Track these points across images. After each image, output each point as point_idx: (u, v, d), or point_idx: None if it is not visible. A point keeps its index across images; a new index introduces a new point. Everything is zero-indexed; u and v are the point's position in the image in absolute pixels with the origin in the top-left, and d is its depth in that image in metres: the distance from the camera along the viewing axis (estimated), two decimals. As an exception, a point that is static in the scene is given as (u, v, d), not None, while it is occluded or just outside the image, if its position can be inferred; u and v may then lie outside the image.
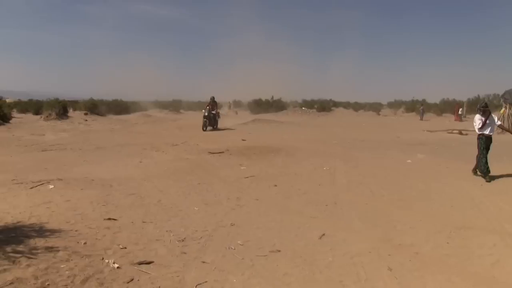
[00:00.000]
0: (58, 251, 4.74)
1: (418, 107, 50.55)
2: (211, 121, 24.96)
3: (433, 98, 77.65)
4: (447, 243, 5.84)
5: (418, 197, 8.47)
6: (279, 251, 5.42)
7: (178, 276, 4.53)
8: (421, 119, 43.74)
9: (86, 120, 30.76)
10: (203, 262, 4.95)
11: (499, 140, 13.10)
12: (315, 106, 55.07)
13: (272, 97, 57.06)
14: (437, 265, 5.06)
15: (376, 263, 5.10)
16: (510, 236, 6.14)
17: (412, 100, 63.40)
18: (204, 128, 24.32)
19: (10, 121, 27.99)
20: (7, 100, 56.14)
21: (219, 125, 26.05)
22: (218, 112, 26.30)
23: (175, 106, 60.62)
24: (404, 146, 17.68)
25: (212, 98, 25.69)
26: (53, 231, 5.43)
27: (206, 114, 24.79)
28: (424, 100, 59.36)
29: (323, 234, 6.07)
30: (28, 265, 4.23)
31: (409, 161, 12.97)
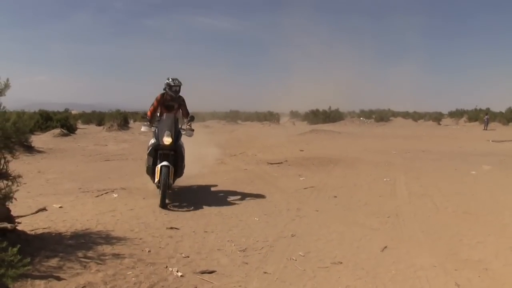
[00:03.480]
0: (124, 258, 4.88)
1: (481, 116, 48.57)
2: (180, 167, 8.39)
3: (498, 106, 74.02)
4: (520, 260, 5.53)
5: (485, 210, 8.05)
6: (341, 263, 5.34)
7: (240, 286, 4.56)
8: (485, 128, 42.04)
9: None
10: (265, 272, 4.96)
11: None
12: (373, 116, 54.34)
13: (330, 108, 56.93)
14: (510, 284, 4.80)
15: (442, 278, 4.91)
16: None
17: (475, 109, 60.90)
18: (163, 200, 7.64)
19: (76, 132, 29.32)
20: (73, 112, 59.11)
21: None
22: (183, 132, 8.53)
23: (232, 116, 61.54)
24: (467, 156, 17.02)
25: (176, 89, 8.60)
26: (119, 239, 5.60)
27: (168, 139, 7.87)
28: (488, 109, 56.94)
29: (386, 247, 5.93)
30: (98, 270, 4.38)
31: (473, 172, 12.42)
